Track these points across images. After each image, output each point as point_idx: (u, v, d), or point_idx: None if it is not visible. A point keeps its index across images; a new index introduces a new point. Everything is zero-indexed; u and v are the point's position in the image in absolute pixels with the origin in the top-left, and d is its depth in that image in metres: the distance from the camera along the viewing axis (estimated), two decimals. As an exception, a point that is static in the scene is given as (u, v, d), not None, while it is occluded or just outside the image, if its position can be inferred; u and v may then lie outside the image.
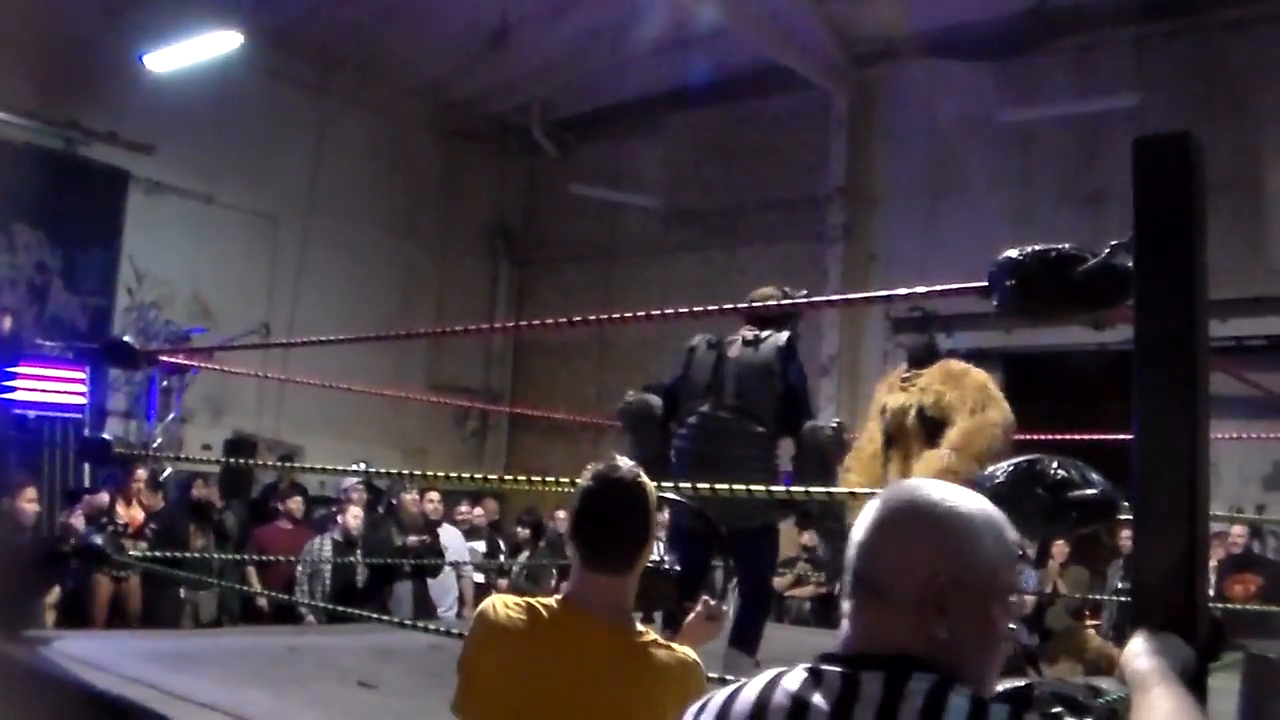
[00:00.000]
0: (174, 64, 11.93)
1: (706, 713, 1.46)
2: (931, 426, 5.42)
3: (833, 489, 4.68)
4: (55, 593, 7.77)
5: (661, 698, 2.24)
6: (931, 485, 1.47)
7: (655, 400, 5.65)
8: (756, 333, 5.45)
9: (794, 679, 1.40)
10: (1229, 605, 7.24)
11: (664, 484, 3.68)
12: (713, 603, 2.77)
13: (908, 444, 5.54)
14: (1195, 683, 1.81)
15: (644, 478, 2.42)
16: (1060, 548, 9.50)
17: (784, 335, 5.40)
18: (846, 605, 1.44)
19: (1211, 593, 7.60)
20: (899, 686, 1.32)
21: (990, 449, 5.01)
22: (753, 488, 3.80)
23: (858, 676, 1.35)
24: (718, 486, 3.72)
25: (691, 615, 2.74)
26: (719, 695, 1.47)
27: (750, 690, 1.43)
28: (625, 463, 2.43)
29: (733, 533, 4.93)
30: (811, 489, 4.60)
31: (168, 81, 11.99)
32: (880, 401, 5.81)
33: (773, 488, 4.52)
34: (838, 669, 1.37)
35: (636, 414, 5.67)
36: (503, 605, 2.38)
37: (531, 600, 2.39)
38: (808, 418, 5.35)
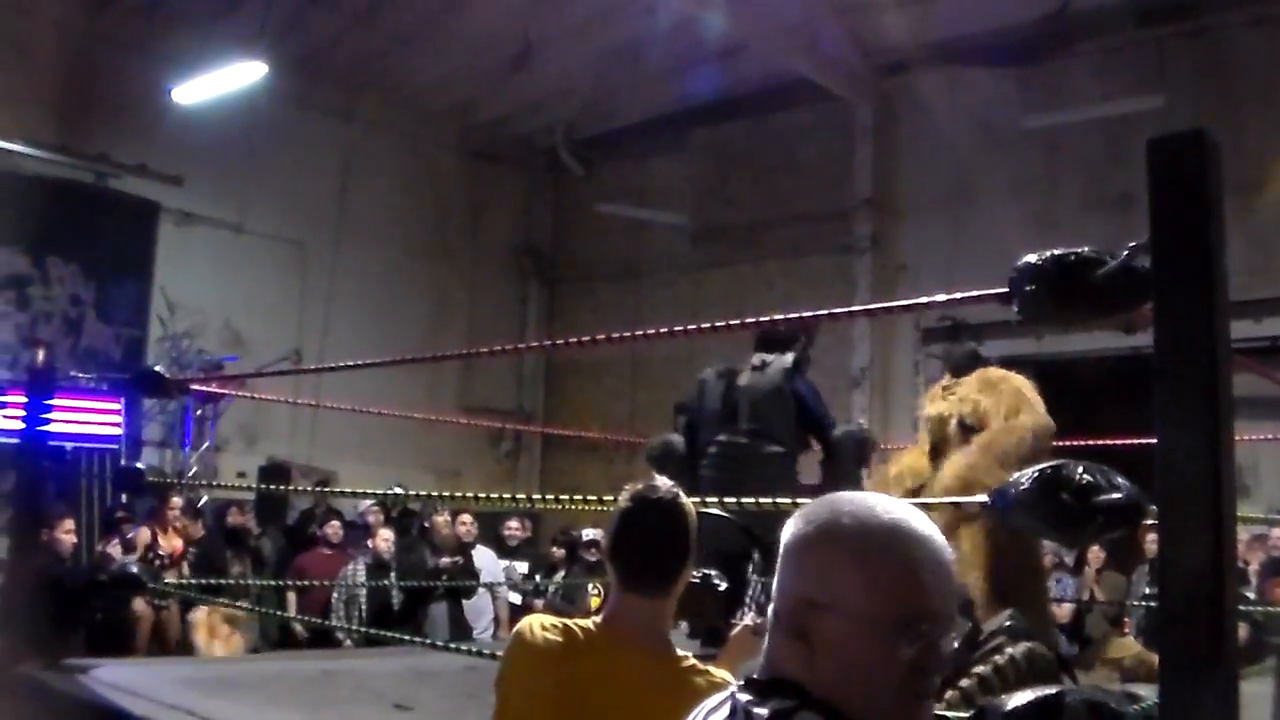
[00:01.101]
0: (201, 96, 12.04)
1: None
2: (969, 434, 5.40)
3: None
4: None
5: None
6: (850, 498, 1.35)
7: (676, 439, 5.87)
8: (764, 357, 5.62)
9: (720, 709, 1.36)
10: (1271, 608, 7.14)
11: (707, 500, 3.71)
12: (758, 619, 2.74)
13: (949, 452, 5.51)
14: (1213, 615, 1.81)
15: (683, 497, 2.39)
16: (1096, 554, 9.40)
17: (789, 357, 5.56)
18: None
19: (1253, 596, 7.52)
20: None
21: (1017, 453, 4.92)
22: (779, 500, 3.80)
23: (750, 711, 1.28)
24: (744, 500, 3.72)
25: (735, 630, 2.73)
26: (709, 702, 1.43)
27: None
28: (664, 483, 2.40)
29: (764, 547, 5.03)
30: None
31: (195, 113, 12.11)
32: (926, 411, 5.85)
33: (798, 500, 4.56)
34: (744, 698, 1.31)
35: (660, 457, 5.87)
36: (539, 626, 2.37)
37: (569, 622, 2.37)
38: (830, 426, 5.40)
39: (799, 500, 4.30)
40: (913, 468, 5.42)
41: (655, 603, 2.34)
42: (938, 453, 5.55)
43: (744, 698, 1.31)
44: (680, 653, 2.36)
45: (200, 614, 8.57)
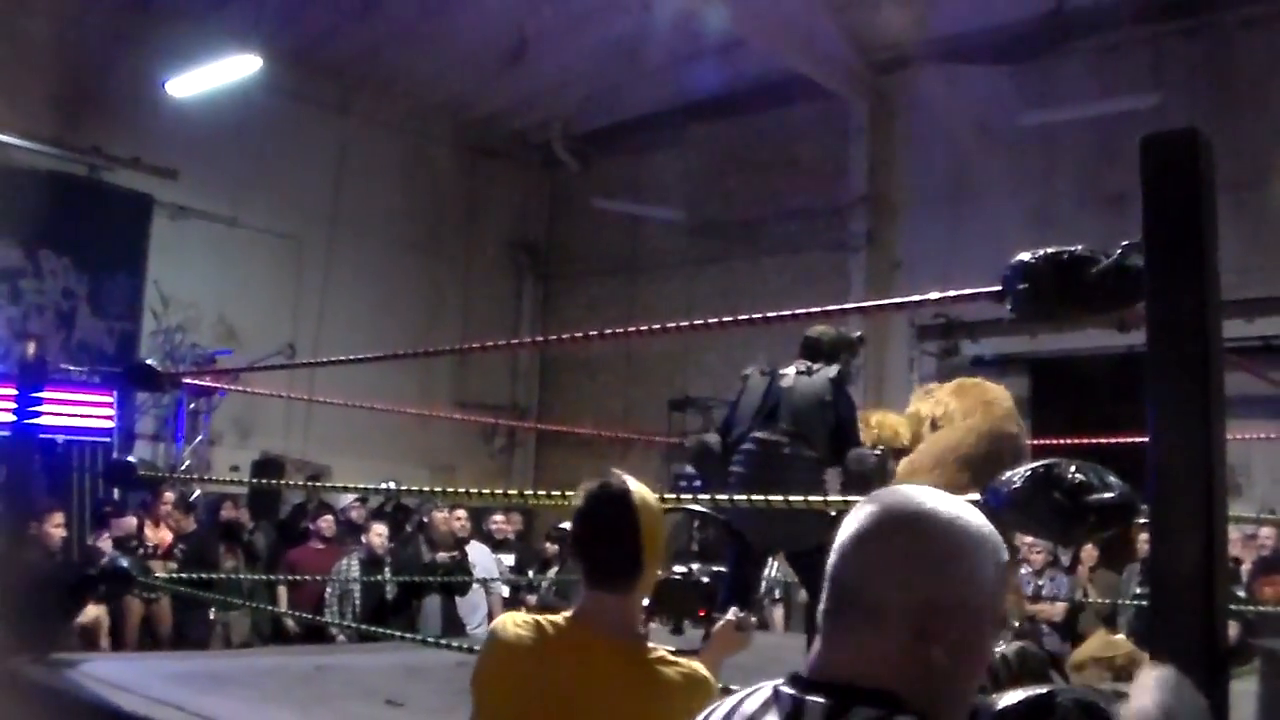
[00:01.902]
0: (195, 89, 12.02)
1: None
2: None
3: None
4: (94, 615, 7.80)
5: (669, 714, 2.23)
6: (928, 494, 1.32)
7: (712, 438, 5.81)
8: (809, 364, 5.64)
9: (762, 702, 1.31)
10: (1261, 608, 7.15)
11: (700, 497, 3.67)
12: (741, 613, 2.76)
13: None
14: (1204, 614, 1.80)
15: (636, 491, 2.39)
16: (1090, 552, 9.42)
17: (834, 369, 5.61)
18: (826, 621, 1.30)
19: (1243, 594, 7.53)
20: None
21: (956, 452, 5.13)
22: (792, 498, 3.79)
23: (845, 711, 1.22)
24: (757, 498, 3.76)
25: (718, 625, 2.74)
26: (725, 704, 1.38)
27: (752, 701, 1.34)
28: (618, 478, 2.41)
29: (791, 556, 5.27)
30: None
31: (190, 106, 12.09)
32: (910, 408, 6.07)
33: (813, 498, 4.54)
34: (820, 700, 1.24)
35: (698, 456, 5.87)
36: (513, 623, 2.40)
37: (540, 618, 2.40)
38: (855, 447, 5.47)
39: (807, 501, 4.29)
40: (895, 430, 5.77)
41: (622, 597, 2.37)
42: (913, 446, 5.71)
43: (817, 700, 1.24)
44: (651, 645, 2.37)
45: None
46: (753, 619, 2.84)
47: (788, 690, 1.28)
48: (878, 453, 5.37)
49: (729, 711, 1.36)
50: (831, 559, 1.31)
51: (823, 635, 1.30)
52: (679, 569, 3.14)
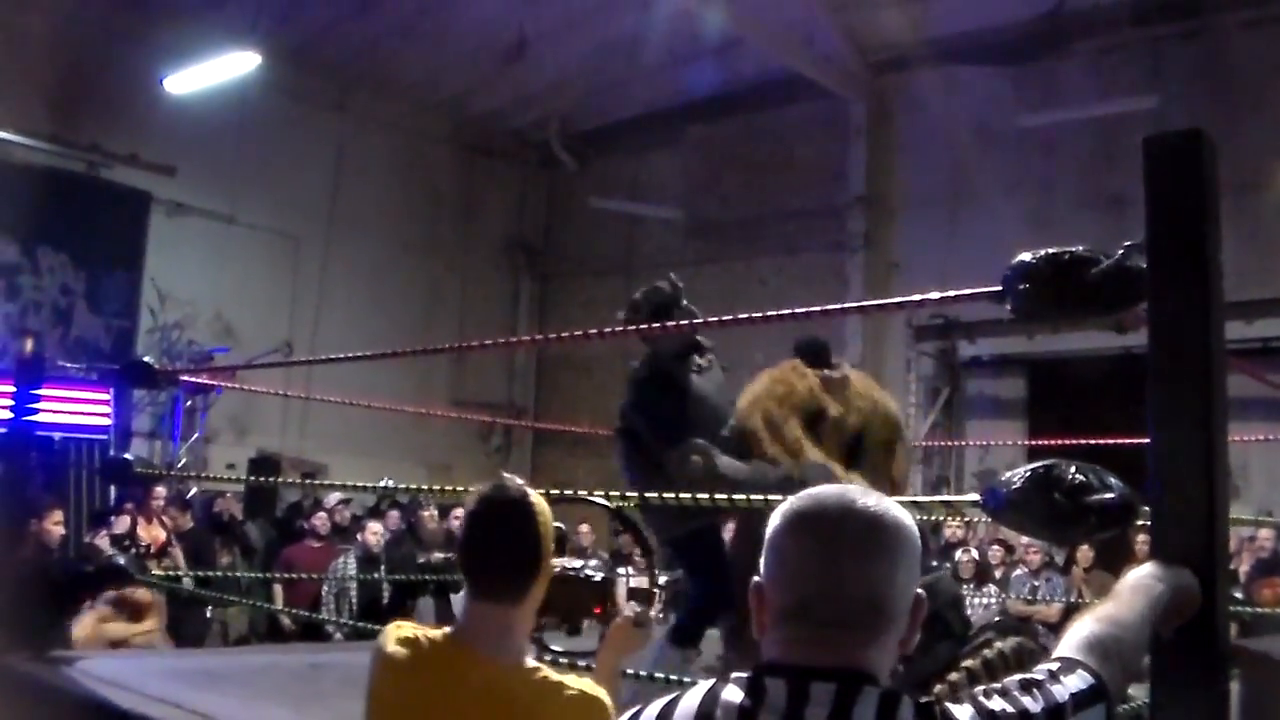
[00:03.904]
0: (194, 86, 12.01)
1: None
2: (853, 440, 4.94)
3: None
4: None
5: None
6: (882, 499, 1.44)
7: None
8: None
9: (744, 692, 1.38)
10: (1259, 610, 7.15)
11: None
12: (638, 608, 2.60)
13: (868, 458, 5.00)
14: (1204, 612, 1.83)
15: (534, 496, 2.23)
16: (1085, 553, 9.42)
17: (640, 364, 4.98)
18: (808, 617, 1.38)
19: (1240, 596, 7.54)
20: (850, 699, 1.33)
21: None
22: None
23: (857, 691, 1.34)
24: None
25: (615, 623, 2.57)
26: (652, 707, 1.43)
27: (691, 698, 1.40)
28: (514, 481, 2.24)
29: (668, 543, 4.88)
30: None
31: (188, 103, 12.08)
32: (814, 402, 5.06)
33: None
34: (830, 685, 1.34)
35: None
36: (395, 636, 2.21)
37: (420, 632, 2.21)
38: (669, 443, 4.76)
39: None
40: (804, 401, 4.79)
41: (508, 610, 2.18)
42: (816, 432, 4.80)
43: (826, 686, 1.34)
44: (533, 663, 2.20)
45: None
46: (652, 614, 2.65)
47: (775, 679, 1.36)
48: (695, 459, 4.60)
49: (664, 710, 1.42)
50: (814, 562, 1.39)
51: (808, 628, 1.38)
52: (571, 566, 3.00)
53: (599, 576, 2.77)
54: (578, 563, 2.55)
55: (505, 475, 2.26)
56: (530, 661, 2.20)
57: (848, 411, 4.67)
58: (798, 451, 4.52)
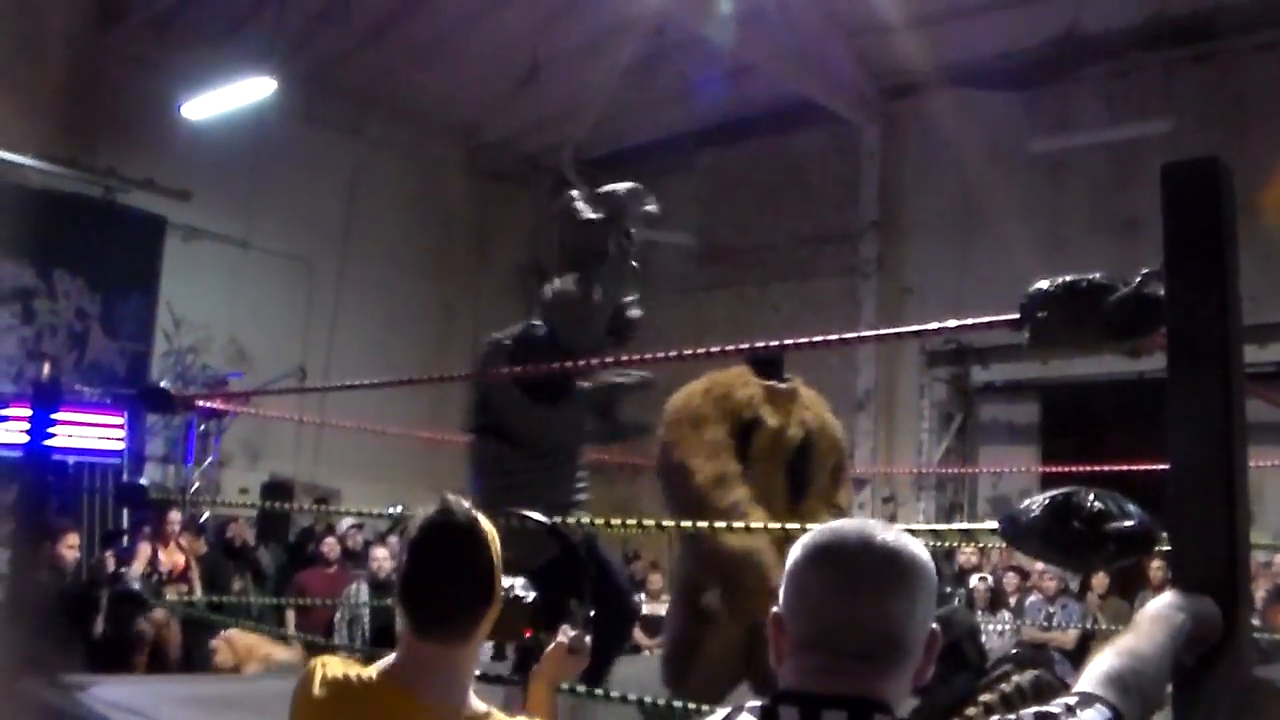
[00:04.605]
0: (209, 111, 12.07)
1: None
2: (800, 454, 4.56)
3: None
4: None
5: None
6: (897, 531, 1.48)
7: None
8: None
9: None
10: (1276, 636, 7.11)
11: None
12: (573, 632, 2.37)
13: (813, 475, 4.64)
14: (1226, 640, 1.83)
15: (484, 522, 2.00)
16: (1100, 579, 9.38)
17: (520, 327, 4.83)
18: (826, 646, 1.41)
19: (1257, 622, 7.49)
20: None
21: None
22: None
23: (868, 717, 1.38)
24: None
25: (549, 649, 2.35)
26: None
27: None
28: (460, 504, 1.99)
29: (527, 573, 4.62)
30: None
31: (203, 128, 12.14)
32: (751, 412, 4.64)
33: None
34: (842, 713, 1.38)
35: None
36: (320, 674, 1.97)
37: (350, 670, 1.98)
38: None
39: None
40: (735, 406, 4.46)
41: (454, 650, 1.95)
42: (746, 451, 4.44)
43: (837, 715, 1.38)
44: (481, 707, 1.98)
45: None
46: (586, 639, 2.41)
47: (788, 707, 1.40)
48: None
49: None
50: (832, 594, 1.43)
51: (825, 658, 1.41)
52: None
53: (529, 596, 2.51)
54: (506, 581, 2.20)
55: (450, 497, 2.01)
56: (477, 704, 1.98)
57: (789, 424, 4.41)
58: (716, 454, 4.23)
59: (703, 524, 3.78)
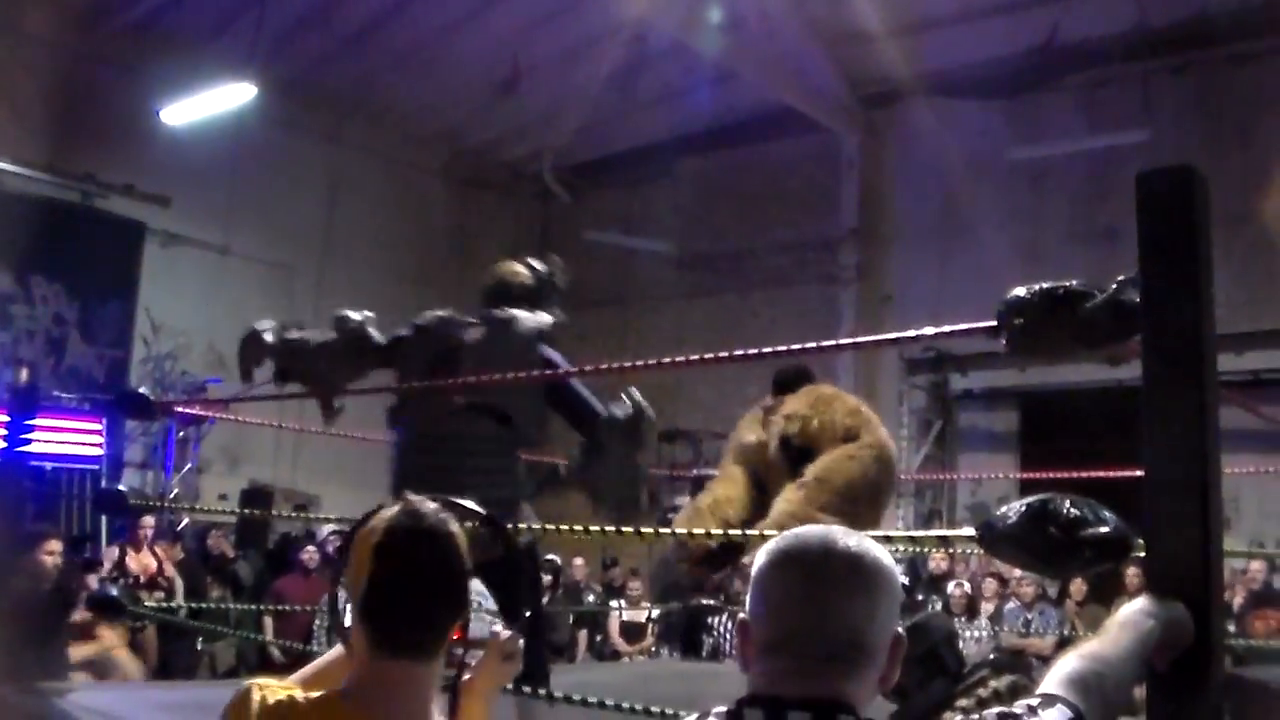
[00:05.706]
0: (189, 117, 12.03)
1: None
2: (799, 458, 4.47)
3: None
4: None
5: None
6: (861, 538, 1.50)
7: None
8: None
9: None
10: (1252, 642, 7.14)
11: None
12: (506, 634, 2.15)
13: (778, 479, 4.54)
14: (1198, 646, 1.85)
15: (454, 524, 1.81)
16: (1078, 586, 9.41)
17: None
18: (790, 651, 1.44)
19: (1233, 628, 7.53)
20: None
21: (861, 480, 4.26)
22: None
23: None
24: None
25: (483, 655, 2.08)
26: None
27: None
28: (427, 505, 1.80)
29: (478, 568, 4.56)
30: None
31: (183, 134, 12.10)
32: (740, 437, 4.86)
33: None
34: (806, 714, 1.40)
35: None
36: (258, 701, 1.72)
37: (294, 694, 1.75)
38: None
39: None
40: (730, 497, 4.62)
41: (421, 667, 1.76)
42: (762, 484, 4.67)
43: (802, 715, 1.40)
44: None
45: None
46: (520, 642, 2.17)
47: (754, 710, 1.42)
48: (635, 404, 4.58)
49: None
50: (797, 598, 1.45)
51: (790, 661, 1.43)
52: None
53: (489, 603, 2.36)
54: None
55: (413, 497, 1.82)
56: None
57: (768, 436, 4.57)
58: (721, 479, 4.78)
59: (647, 529, 3.78)
